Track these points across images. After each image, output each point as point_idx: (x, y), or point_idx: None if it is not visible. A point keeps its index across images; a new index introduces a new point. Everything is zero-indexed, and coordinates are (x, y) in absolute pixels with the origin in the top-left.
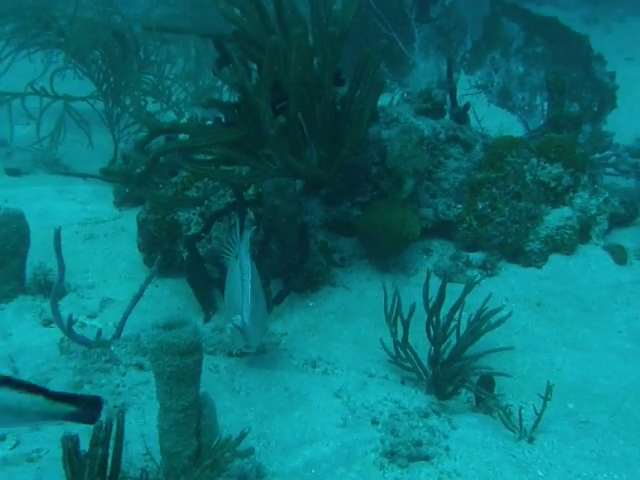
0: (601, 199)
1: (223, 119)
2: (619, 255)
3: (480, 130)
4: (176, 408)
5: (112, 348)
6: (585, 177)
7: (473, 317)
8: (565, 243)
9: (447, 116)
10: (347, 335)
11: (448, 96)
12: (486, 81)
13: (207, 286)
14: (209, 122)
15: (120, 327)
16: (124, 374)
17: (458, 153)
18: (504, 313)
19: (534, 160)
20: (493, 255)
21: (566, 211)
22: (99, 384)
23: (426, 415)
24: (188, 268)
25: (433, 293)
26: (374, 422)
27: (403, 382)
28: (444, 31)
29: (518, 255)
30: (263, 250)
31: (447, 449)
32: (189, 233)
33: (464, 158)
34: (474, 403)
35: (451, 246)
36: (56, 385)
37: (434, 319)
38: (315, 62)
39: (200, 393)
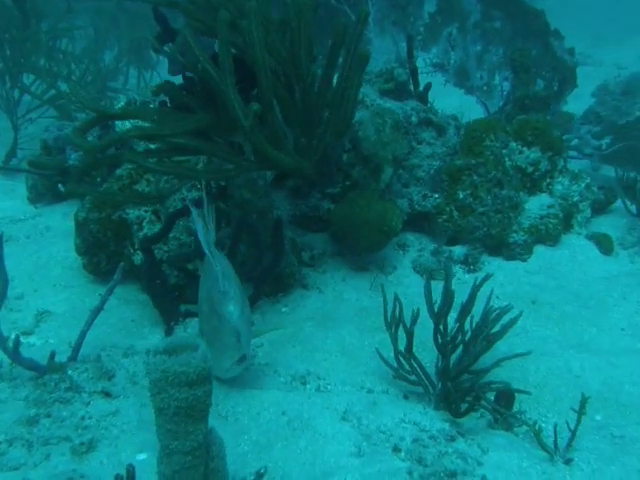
0: (583, 185)
1: (168, 102)
2: (605, 245)
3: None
4: (183, 450)
5: (69, 372)
6: (562, 162)
7: (479, 320)
8: (550, 233)
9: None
10: (332, 345)
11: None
12: (443, 59)
13: (166, 293)
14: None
15: (77, 347)
16: (88, 403)
17: (431, 137)
18: (514, 313)
19: (513, 144)
20: (475, 248)
21: (545, 198)
22: (59, 417)
23: (452, 438)
24: (145, 273)
25: (414, 294)
26: (395, 449)
27: (406, 397)
28: (400, 4)
29: (500, 248)
30: (232, 251)
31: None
32: (146, 234)
33: (438, 143)
34: (490, 418)
35: (426, 240)
36: (5, 421)
37: (441, 327)
38: (287, 37)
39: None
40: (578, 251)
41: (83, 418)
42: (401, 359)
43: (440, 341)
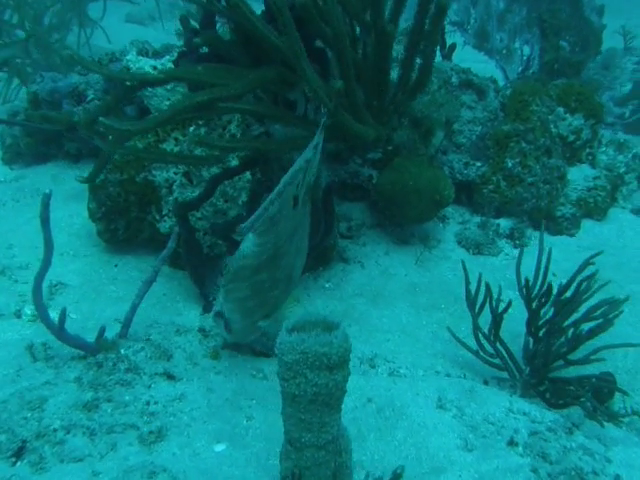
0: (629, 155)
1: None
2: None
3: None
4: (317, 443)
5: (123, 352)
6: (602, 131)
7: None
8: (599, 207)
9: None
10: (390, 324)
11: None
12: (463, 17)
13: (204, 265)
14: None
15: (127, 323)
16: (149, 387)
17: (472, 101)
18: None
19: (560, 109)
20: (522, 222)
21: (586, 169)
22: (122, 402)
23: (570, 431)
24: (183, 243)
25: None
26: (511, 443)
27: (486, 382)
28: None
29: (547, 221)
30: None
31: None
32: (176, 198)
33: (478, 107)
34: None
35: (466, 212)
36: (58, 405)
37: (534, 306)
38: None
39: None
40: (626, 226)
41: (148, 403)
42: (483, 341)
43: (533, 324)
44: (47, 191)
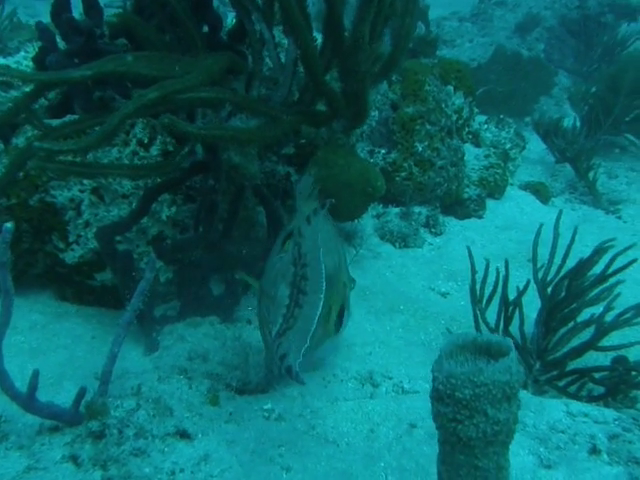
0: (511, 131)
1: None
2: (544, 194)
3: None
4: None
5: (113, 413)
6: (475, 108)
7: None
8: (498, 185)
9: None
10: (362, 336)
11: None
12: None
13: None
14: None
15: (107, 378)
16: (165, 451)
17: None
18: None
19: (450, 88)
20: (435, 208)
21: (471, 148)
22: (144, 477)
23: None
24: (118, 273)
25: (399, 265)
26: (594, 451)
27: None
28: None
29: (454, 206)
30: (226, 231)
31: None
32: (87, 221)
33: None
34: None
35: (375, 204)
36: None
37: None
38: None
39: None
40: (522, 202)
41: (173, 473)
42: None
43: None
44: (8, 225)
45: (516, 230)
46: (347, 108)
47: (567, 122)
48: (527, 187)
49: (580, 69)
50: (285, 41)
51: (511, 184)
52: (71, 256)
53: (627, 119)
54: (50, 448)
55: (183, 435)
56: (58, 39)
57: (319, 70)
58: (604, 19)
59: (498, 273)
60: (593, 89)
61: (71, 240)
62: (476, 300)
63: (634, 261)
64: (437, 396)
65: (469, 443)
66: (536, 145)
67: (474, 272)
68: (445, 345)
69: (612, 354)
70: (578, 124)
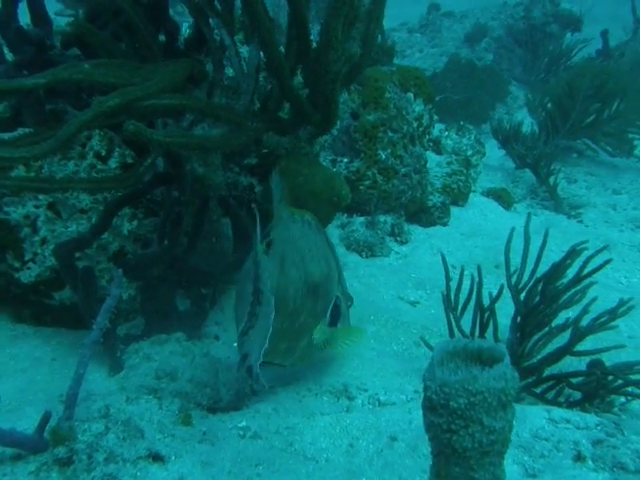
0: (472, 138)
1: None
2: (507, 200)
3: None
4: None
5: (81, 437)
6: (435, 116)
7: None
8: (462, 192)
9: None
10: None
11: None
12: None
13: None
14: None
15: (73, 401)
16: (136, 476)
17: None
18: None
19: (410, 95)
20: (400, 216)
21: (432, 155)
22: None
23: (622, 432)
24: (80, 291)
25: (368, 275)
26: (578, 458)
27: None
28: None
29: (418, 214)
30: (191, 245)
31: None
32: (45, 237)
33: None
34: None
35: (339, 214)
36: None
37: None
38: None
39: None
40: (485, 209)
41: None
42: None
43: (519, 319)
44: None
45: (482, 237)
46: (315, 113)
47: (524, 128)
48: (490, 193)
49: (528, 78)
50: (243, 50)
51: (474, 191)
52: (27, 275)
53: (584, 124)
54: (14, 478)
55: (156, 458)
56: (5, 50)
57: (286, 74)
58: (549, 29)
59: (473, 279)
60: (548, 97)
61: (27, 258)
62: (450, 307)
63: (608, 262)
64: (430, 406)
65: (464, 454)
66: (494, 151)
67: (448, 279)
68: (436, 352)
69: (587, 359)
70: (536, 129)
